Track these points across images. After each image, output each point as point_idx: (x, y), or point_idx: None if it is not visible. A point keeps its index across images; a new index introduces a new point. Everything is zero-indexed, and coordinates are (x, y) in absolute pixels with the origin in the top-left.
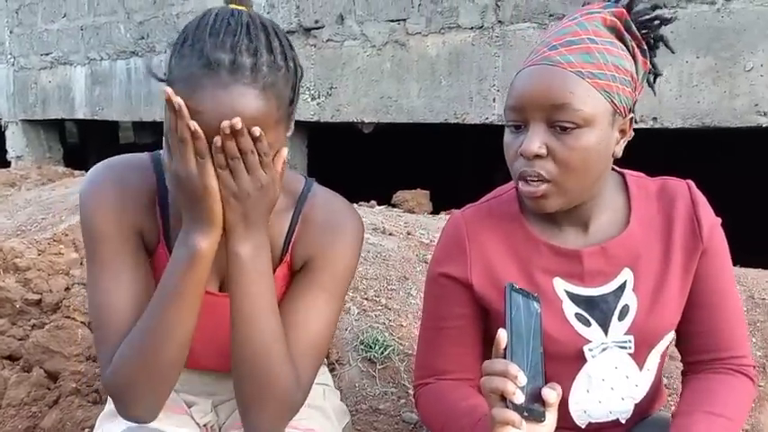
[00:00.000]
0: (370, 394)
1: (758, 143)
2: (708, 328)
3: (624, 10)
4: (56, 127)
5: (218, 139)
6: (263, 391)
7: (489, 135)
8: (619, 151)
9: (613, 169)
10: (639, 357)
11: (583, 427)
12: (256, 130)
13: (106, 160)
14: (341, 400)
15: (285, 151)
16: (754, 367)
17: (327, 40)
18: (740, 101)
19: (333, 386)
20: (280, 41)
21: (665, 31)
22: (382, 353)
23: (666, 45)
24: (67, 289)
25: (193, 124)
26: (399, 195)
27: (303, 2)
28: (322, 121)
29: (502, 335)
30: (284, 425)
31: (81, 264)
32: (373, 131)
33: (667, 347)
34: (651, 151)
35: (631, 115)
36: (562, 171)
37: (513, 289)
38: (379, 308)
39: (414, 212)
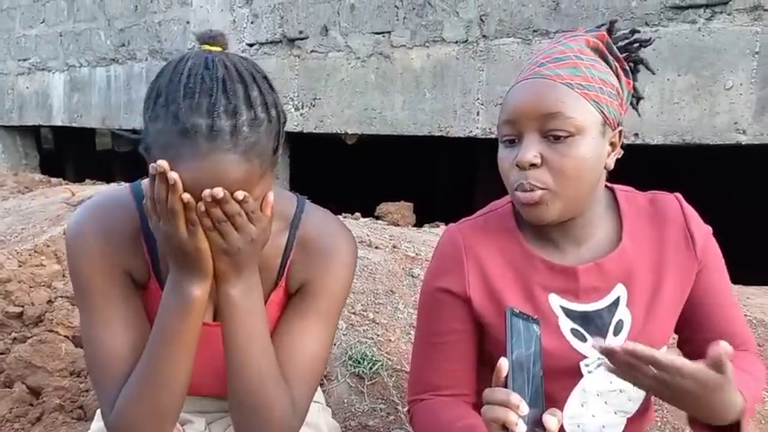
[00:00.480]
0: (359, 411)
1: (738, 160)
2: (715, 335)
3: (605, 33)
4: (32, 133)
5: (201, 206)
6: (260, 419)
7: (471, 148)
8: (610, 164)
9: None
10: None
11: None
12: (240, 194)
13: (88, 203)
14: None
15: (271, 196)
16: (759, 353)
17: (312, 51)
18: (720, 119)
19: (324, 403)
20: (259, 89)
21: (645, 52)
22: (371, 368)
23: (647, 67)
24: (50, 302)
25: (186, 196)
26: (383, 207)
27: (287, 12)
28: (305, 131)
29: (503, 363)
30: None
31: (63, 276)
32: (356, 143)
33: None
34: (634, 166)
35: (620, 128)
36: (557, 179)
37: (513, 314)
38: (367, 322)
39: (398, 225)
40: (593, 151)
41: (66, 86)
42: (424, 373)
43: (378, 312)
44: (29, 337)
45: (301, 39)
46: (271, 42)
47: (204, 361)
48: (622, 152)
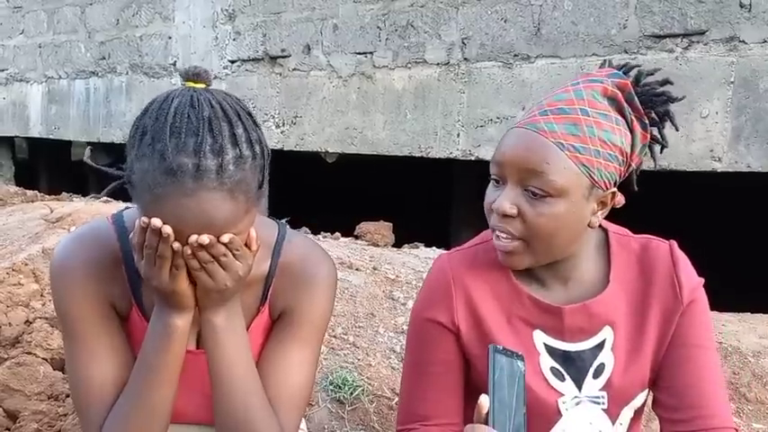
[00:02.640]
0: None
1: (713, 186)
2: (687, 382)
3: (629, 82)
4: (7, 144)
5: (187, 249)
6: None
7: (449, 168)
8: (595, 222)
9: (600, 226)
10: (613, 413)
11: None
12: (226, 237)
13: (71, 236)
14: None
15: (254, 231)
16: (736, 429)
17: (294, 69)
18: (696, 146)
19: (306, 430)
20: (244, 126)
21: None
22: (351, 393)
23: (672, 122)
24: (27, 322)
25: (177, 245)
26: (363, 227)
27: (270, 30)
28: (285, 149)
29: (483, 401)
30: None
31: (41, 295)
32: (336, 162)
33: (643, 404)
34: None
35: (614, 189)
36: (530, 232)
37: (496, 350)
38: (348, 346)
39: (377, 245)
40: (572, 213)
41: (44, 98)
42: (412, 403)
43: (358, 336)
44: (5, 359)
45: (283, 57)
46: (253, 60)
47: (189, 388)
48: (623, 202)
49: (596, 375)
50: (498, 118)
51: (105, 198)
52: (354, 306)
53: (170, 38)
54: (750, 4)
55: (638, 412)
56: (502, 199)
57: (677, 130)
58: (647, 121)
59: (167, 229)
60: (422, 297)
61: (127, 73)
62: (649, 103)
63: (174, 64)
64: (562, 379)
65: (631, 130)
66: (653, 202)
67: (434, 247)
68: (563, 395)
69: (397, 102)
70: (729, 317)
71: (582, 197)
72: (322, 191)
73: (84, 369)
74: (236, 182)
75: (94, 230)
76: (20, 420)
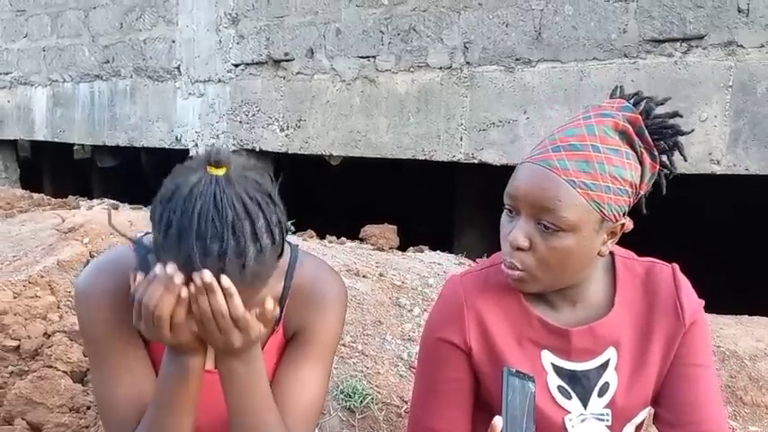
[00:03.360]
0: None
1: (710, 189)
2: (688, 400)
3: (639, 116)
4: (12, 146)
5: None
6: None
7: (452, 171)
8: (605, 251)
9: None
10: (616, 429)
11: None
12: (226, 282)
13: (95, 264)
14: None
15: (270, 303)
16: None
17: (297, 73)
18: (695, 149)
19: None
20: (265, 216)
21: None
22: (361, 402)
23: (681, 153)
24: (46, 335)
25: (184, 293)
26: (368, 230)
27: (273, 34)
28: (290, 152)
29: (497, 421)
30: None
31: (58, 307)
32: (340, 165)
33: (644, 420)
34: None
35: (623, 220)
36: (540, 264)
37: (510, 373)
38: (357, 354)
39: (382, 249)
40: (582, 246)
41: (48, 101)
42: (423, 419)
43: (366, 344)
44: (26, 371)
45: (287, 60)
46: (257, 63)
47: (206, 407)
48: (631, 227)
49: (601, 394)
50: (500, 121)
51: (112, 203)
52: (362, 314)
53: (173, 41)
54: (748, 9)
55: (639, 427)
56: (516, 232)
57: (685, 160)
58: (656, 153)
59: (179, 278)
60: (435, 317)
61: (131, 76)
62: (659, 136)
63: (179, 68)
64: (569, 397)
65: (641, 162)
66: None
67: (439, 251)
68: (569, 413)
69: (401, 105)
70: (727, 320)
71: (593, 231)
72: (327, 194)
73: (107, 390)
74: (255, 273)
75: (117, 258)
76: None
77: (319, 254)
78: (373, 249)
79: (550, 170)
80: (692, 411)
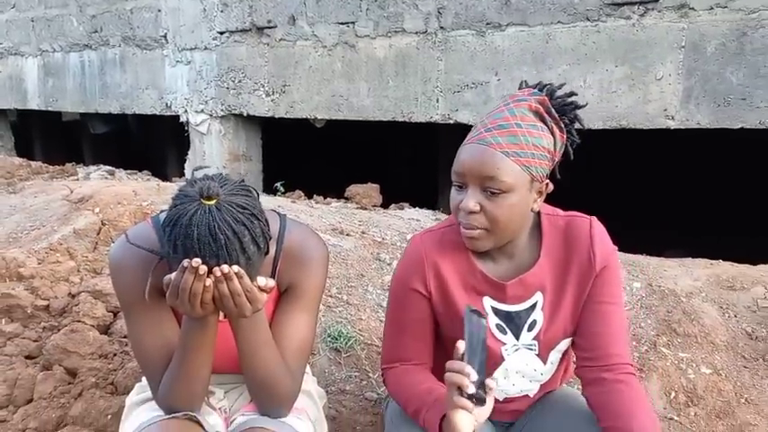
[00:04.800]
0: (338, 378)
1: (667, 143)
2: (597, 330)
3: (546, 98)
4: (5, 116)
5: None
6: (270, 392)
7: (434, 132)
8: (536, 207)
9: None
10: (543, 355)
11: (501, 400)
12: (236, 268)
13: (124, 240)
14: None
15: (272, 282)
16: (632, 365)
17: (280, 40)
18: (652, 106)
19: (311, 374)
20: (250, 232)
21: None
22: (346, 344)
23: (579, 123)
24: (71, 295)
25: (209, 281)
26: (352, 189)
27: (256, 2)
28: (276, 116)
29: (460, 344)
30: (289, 409)
31: (78, 271)
32: (325, 126)
33: (568, 347)
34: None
35: (546, 180)
36: (491, 223)
37: (470, 309)
38: (342, 303)
39: (365, 208)
40: (521, 202)
41: (39, 71)
42: (393, 349)
43: (350, 295)
44: (56, 326)
45: (270, 27)
46: (241, 30)
47: (220, 349)
48: (552, 189)
49: (530, 329)
50: (474, 83)
51: (108, 169)
52: (346, 268)
53: (159, 11)
54: None
55: (565, 353)
56: (467, 200)
57: (584, 128)
58: (562, 125)
59: (203, 268)
60: (401, 268)
61: (120, 45)
62: (562, 112)
63: (165, 36)
64: (505, 332)
65: (552, 134)
66: (618, 158)
67: (418, 208)
68: (505, 344)
69: (380, 70)
70: (672, 263)
71: (526, 190)
72: (314, 155)
73: (141, 340)
74: (246, 272)
75: (138, 232)
76: (79, 376)
77: (306, 214)
78: (357, 208)
79: (487, 146)
80: (601, 340)
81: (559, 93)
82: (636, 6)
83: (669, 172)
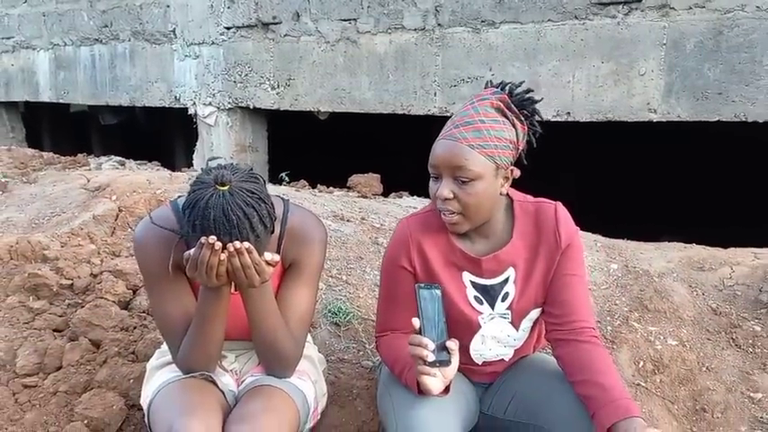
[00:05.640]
0: (337, 348)
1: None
2: (565, 298)
3: (506, 96)
4: (17, 108)
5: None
6: (276, 356)
7: (432, 125)
8: (504, 191)
9: (508, 194)
10: (516, 323)
11: (479, 363)
12: (246, 244)
13: (147, 220)
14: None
15: (277, 257)
16: (595, 329)
17: (285, 35)
18: (636, 100)
19: (312, 342)
20: (258, 214)
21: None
22: (345, 318)
23: (538, 115)
24: (93, 275)
25: (223, 256)
26: (353, 179)
27: None
28: (281, 109)
29: (415, 321)
30: (293, 371)
31: (98, 254)
32: (328, 119)
33: (538, 317)
34: (564, 140)
35: (511, 167)
36: (464, 208)
37: (419, 287)
38: (341, 283)
39: (366, 196)
40: (489, 188)
41: (51, 64)
42: (385, 320)
43: (349, 275)
44: (80, 303)
45: (275, 23)
46: (247, 26)
47: (231, 318)
48: (518, 174)
49: (503, 300)
50: (469, 78)
51: (119, 159)
52: (346, 251)
53: (168, 6)
54: None
55: (535, 322)
56: (442, 189)
57: (542, 120)
58: (522, 118)
59: (219, 244)
60: (390, 248)
61: (129, 40)
62: (521, 107)
63: (174, 31)
64: (481, 303)
65: (514, 126)
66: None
67: (416, 196)
68: (482, 314)
69: (380, 64)
70: (649, 246)
71: (492, 177)
72: (318, 147)
73: (162, 308)
74: (256, 248)
75: (160, 216)
76: (103, 346)
77: (310, 202)
78: (358, 197)
79: (456, 141)
80: (568, 307)
81: (518, 90)
82: (620, 6)
83: (657, 169)
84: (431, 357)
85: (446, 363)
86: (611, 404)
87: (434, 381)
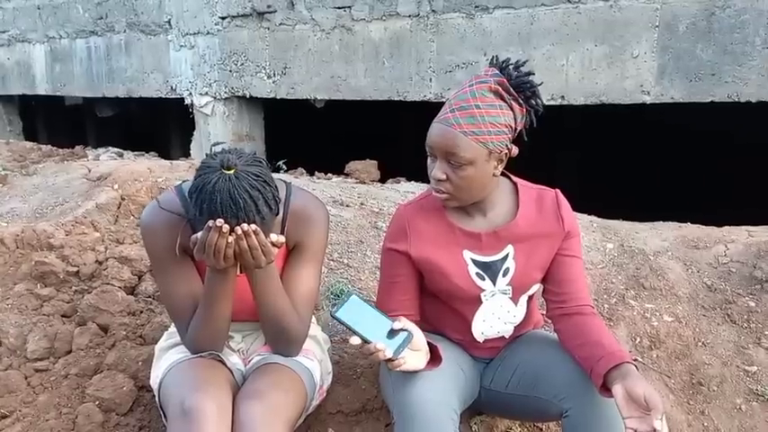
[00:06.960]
0: (340, 329)
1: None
2: (566, 277)
3: (505, 79)
4: (14, 101)
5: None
6: (283, 335)
7: (426, 110)
8: (497, 173)
9: (511, 180)
10: (515, 299)
11: (481, 341)
12: (253, 226)
13: (153, 204)
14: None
15: (282, 238)
16: (593, 307)
17: (280, 24)
18: (629, 82)
19: (316, 323)
20: (263, 196)
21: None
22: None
23: (538, 97)
24: (98, 262)
25: (231, 238)
26: (351, 166)
27: None
28: (278, 97)
29: (353, 340)
30: (298, 349)
31: (102, 241)
32: (325, 106)
33: (535, 293)
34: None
35: (506, 150)
36: (455, 189)
37: (332, 314)
38: (343, 266)
39: (364, 182)
40: (480, 172)
41: (47, 57)
42: (385, 302)
43: (350, 259)
44: (86, 289)
45: (270, 12)
46: (242, 15)
47: (238, 299)
48: (517, 152)
49: (504, 275)
50: (464, 63)
51: (116, 151)
52: (347, 236)
53: None
54: None
55: (531, 297)
56: (436, 170)
57: (541, 101)
58: (521, 101)
59: (226, 227)
60: (389, 234)
61: (125, 31)
62: (521, 88)
63: (169, 21)
64: (483, 279)
65: (512, 109)
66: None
67: (413, 182)
68: (484, 290)
69: (375, 51)
70: (644, 226)
71: (484, 161)
72: (316, 133)
73: (170, 290)
74: (262, 229)
75: (167, 200)
76: (111, 330)
77: (309, 188)
78: (356, 183)
79: (449, 127)
80: (568, 286)
81: (517, 72)
82: None
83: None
84: (389, 353)
85: (406, 341)
86: (607, 356)
87: (412, 361)
